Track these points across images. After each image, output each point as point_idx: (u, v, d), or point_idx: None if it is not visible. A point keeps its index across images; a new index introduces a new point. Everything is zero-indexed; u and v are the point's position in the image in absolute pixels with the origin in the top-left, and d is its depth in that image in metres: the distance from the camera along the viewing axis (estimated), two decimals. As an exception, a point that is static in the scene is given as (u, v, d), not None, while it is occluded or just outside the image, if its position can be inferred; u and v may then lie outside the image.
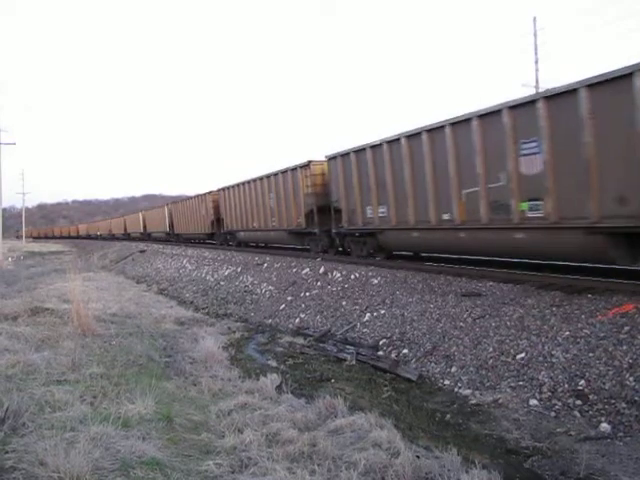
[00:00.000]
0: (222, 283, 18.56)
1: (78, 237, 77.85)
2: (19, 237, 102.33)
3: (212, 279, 19.77)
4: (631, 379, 6.09)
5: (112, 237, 57.86)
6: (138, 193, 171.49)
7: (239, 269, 19.12)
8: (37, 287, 18.00)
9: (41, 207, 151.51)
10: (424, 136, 11.66)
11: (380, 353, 9.32)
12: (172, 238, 37.08)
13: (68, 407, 5.43)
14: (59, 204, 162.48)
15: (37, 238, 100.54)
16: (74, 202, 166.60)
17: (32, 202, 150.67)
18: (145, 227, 44.76)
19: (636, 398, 5.84)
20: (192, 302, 17.40)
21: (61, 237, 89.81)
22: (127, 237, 52.05)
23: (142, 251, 33.98)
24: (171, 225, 36.82)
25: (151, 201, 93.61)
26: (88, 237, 70.52)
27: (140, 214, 46.87)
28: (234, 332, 11.80)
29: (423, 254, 14.40)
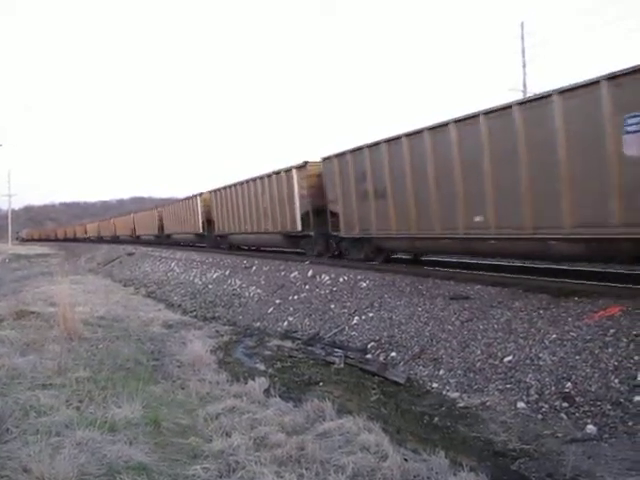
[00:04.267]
0: (210, 286, 18.51)
1: (87, 239, 63.19)
2: (18, 239, 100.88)
3: (200, 282, 19.71)
4: (616, 381, 6.15)
5: (136, 239, 43.82)
6: (126, 196, 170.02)
7: (227, 272, 19.08)
8: (23, 290, 17.88)
9: (28, 209, 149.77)
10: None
11: (368, 356, 9.33)
12: (307, 247, 17.39)
13: (54, 412, 5.37)
14: (46, 206, 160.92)
15: (37, 240, 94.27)
16: (61, 204, 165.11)
17: (19, 204, 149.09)
18: (210, 223, 26.44)
19: (621, 400, 5.90)
20: (180, 305, 17.32)
21: (65, 239, 75.78)
22: (165, 240, 35.59)
23: (130, 254, 33.77)
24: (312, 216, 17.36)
25: (139, 204, 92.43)
26: (100, 239, 56.38)
27: (197, 200, 27.59)
28: (222, 335, 11.75)
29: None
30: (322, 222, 16.05)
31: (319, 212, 16.23)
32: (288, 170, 17.77)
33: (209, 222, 26.65)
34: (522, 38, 32.32)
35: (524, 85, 31.82)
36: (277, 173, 18.53)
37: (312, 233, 16.70)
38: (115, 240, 49.96)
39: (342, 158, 14.53)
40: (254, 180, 20.63)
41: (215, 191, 25.64)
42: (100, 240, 56.61)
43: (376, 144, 12.86)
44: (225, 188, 23.98)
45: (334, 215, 15.23)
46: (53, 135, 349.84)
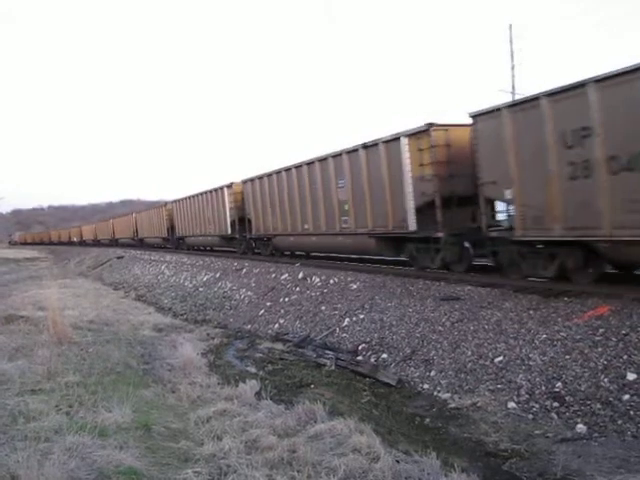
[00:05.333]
0: (201, 289, 18.44)
1: (82, 243, 58.47)
2: (11, 242, 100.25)
3: (191, 285, 19.63)
4: (606, 380, 6.19)
5: (139, 243, 38.89)
6: (115, 198, 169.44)
7: (218, 275, 19.02)
8: (11, 294, 17.71)
9: (16, 213, 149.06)
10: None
11: (359, 358, 9.32)
12: (421, 257, 12.38)
13: (43, 417, 5.33)
14: (34, 210, 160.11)
15: (31, 244, 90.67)
16: (50, 208, 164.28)
17: (6, 208, 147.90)
18: (242, 222, 21.41)
19: (610, 399, 5.94)
20: (170, 308, 17.26)
21: (60, 243, 71.59)
22: (176, 244, 30.89)
23: (120, 257, 33.59)
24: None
25: (129, 207, 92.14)
26: (97, 243, 52.18)
27: (225, 193, 22.45)
28: (213, 338, 11.73)
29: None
30: (461, 216, 11.01)
31: (450, 201, 10.91)
32: (395, 139, 11.73)
33: (241, 221, 21.39)
34: (511, 41, 32.45)
35: (513, 87, 31.99)
36: (375, 144, 12.51)
37: (441, 234, 10.97)
38: (114, 244, 45.71)
39: (522, 111, 9.00)
40: (323, 160, 14.91)
41: (252, 180, 19.98)
42: (97, 244, 51.78)
43: (628, 72, 7.28)
44: (269, 175, 18.52)
45: (490, 202, 9.99)
46: (42, 138, 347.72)
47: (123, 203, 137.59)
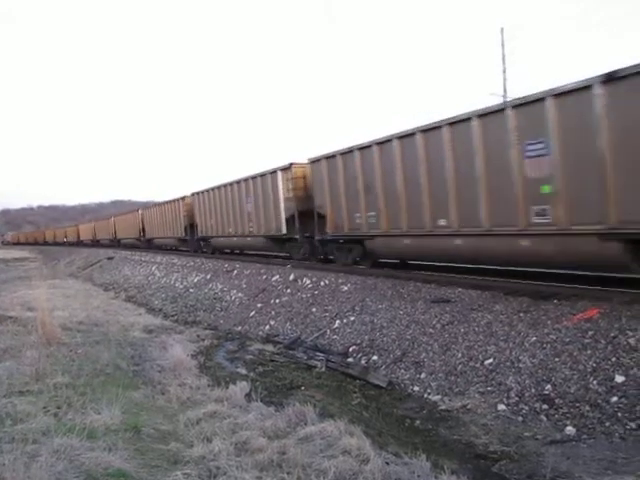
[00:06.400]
0: (191, 290, 18.37)
1: (79, 244, 54.36)
2: (3, 242, 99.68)
3: (181, 286, 19.56)
4: (595, 382, 6.23)
5: (146, 244, 33.82)
6: (106, 199, 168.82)
7: (208, 276, 18.96)
8: (0, 295, 17.58)
9: (5, 212, 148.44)
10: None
11: (350, 360, 9.32)
12: None
13: (30, 419, 5.28)
14: (24, 209, 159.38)
15: (24, 244, 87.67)
16: (40, 207, 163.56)
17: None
18: (303, 219, 15.92)
19: (599, 401, 5.98)
20: (161, 309, 17.17)
21: (55, 243, 67.61)
22: (195, 245, 25.70)
23: (110, 258, 33.41)
24: None
25: (120, 207, 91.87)
26: (96, 243, 47.97)
27: (278, 178, 16.77)
28: (203, 340, 11.68)
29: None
30: None
31: None
32: None
33: (303, 216, 15.77)
34: (502, 44, 32.65)
35: (504, 90, 32.15)
36: (635, 74, 6.92)
37: None
38: (115, 244, 41.41)
39: None
40: (487, 115, 9.33)
41: (329, 157, 13.96)
42: (96, 244, 47.50)
43: None
44: (364, 147, 12.55)
45: None
46: (32, 137, 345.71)
47: (114, 203, 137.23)
